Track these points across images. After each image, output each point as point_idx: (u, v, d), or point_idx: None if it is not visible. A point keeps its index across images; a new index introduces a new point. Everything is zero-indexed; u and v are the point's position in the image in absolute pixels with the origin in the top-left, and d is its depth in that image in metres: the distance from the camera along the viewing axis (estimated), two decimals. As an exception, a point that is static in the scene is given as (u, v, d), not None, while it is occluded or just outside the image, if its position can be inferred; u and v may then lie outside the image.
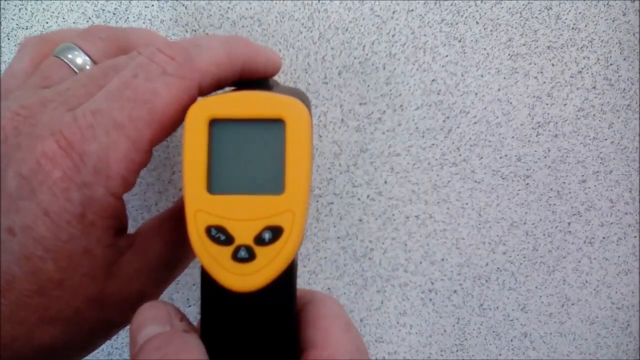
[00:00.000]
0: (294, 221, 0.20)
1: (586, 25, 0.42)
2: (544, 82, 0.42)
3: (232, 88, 0.26)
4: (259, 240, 0.20)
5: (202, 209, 0.21)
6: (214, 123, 0.21)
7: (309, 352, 0.20)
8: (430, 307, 0.44)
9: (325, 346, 0.20)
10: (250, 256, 0.20)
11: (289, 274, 0.21)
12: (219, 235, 0.20)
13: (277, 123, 0.21)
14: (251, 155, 0.21)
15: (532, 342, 0.44)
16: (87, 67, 0.25)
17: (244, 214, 0.21)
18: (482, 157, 0.43)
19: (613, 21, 0.42)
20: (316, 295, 0.22)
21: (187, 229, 0.21)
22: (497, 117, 0.42)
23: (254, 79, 0.26)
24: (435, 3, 0.41)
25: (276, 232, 0.20)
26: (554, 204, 0.43)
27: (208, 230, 0.21)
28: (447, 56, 0.42)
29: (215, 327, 0.21)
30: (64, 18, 0.43)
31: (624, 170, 0.43)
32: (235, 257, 0.20)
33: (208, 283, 0.21)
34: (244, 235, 0.20)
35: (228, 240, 0.20)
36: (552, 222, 0.43)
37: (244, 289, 0.20)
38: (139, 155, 0.21)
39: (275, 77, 0.32)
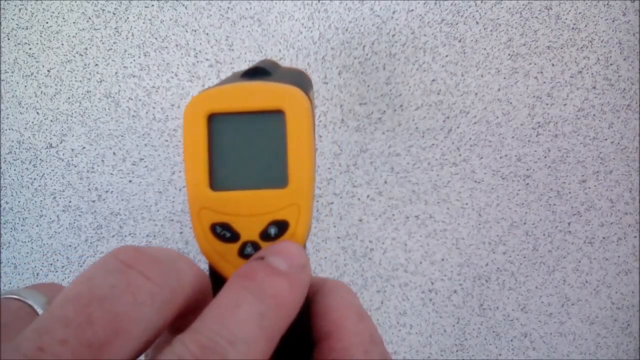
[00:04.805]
0: (300, 214, 0.20)
1: (586, 25, 0.42)
2: (544, 82, 0.42)
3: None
4: (265, 235, 0.20)
5: (205, 207, 0.20)
6: (213, 118, 0.20)
7: (322, 343, 0.20)
8: (430, 307, 0.44)
9: (339, 338, 0.19)
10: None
11: None
12: (225, 232, 0.20)
13: (277, 114, 0.20)
14: (252, 149, 0.21)
15: (532, 342, 0.44)
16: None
17: (248, 210, 0.20)
18: (482, 157, 0.43)
19: (613, 21, 0.42)
20: (327, 283, 0.22)
21: (192, 227, 0.21)
22: (497, 117, 0.42)
23: (254, 65, 0.26)
24: (435, 3, 0.41)
25: (282, 226, 0.20)
26: (554, 204, 0.43)
27: (213, 227, 0.20)
28: (447, 56, 0.42)
29: None
30: (64, 18, 0.43)
31: (624, 170, 0.43)
32: (242, 253, 0.20)
33: (216, 280, 0.20)
34: (249, 232, 0.20)
35: (234, 237, 0.20)
36: (552, 222, 0.43)
37: None
38: None
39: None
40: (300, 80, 0.24)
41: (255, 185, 0.20)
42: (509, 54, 0.42)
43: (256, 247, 0.20)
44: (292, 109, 0.20)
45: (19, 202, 0.44)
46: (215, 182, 0.20)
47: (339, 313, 0.20)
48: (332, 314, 0.20)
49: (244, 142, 0.21)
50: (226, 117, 0.20)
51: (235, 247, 0.20)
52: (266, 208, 0.20)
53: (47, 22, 0.43)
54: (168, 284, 0.16)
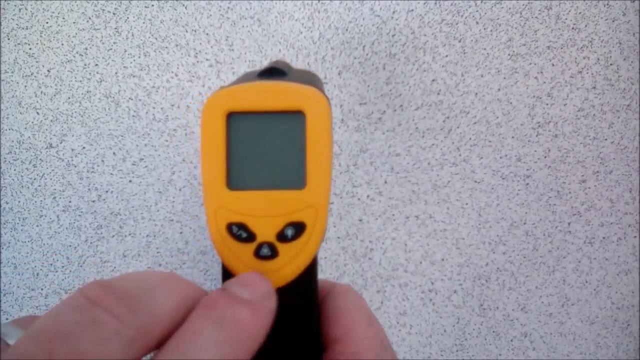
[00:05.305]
0: (317, 217, 0.20)
1: (586, 25, 0.42)
2: (544, 82, 0.42)
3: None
4: (282, 237, 0.20)
5: (222, 206, 0.20)
6: (232, 116, 0.20)
7: (332, 348, 0.20)
8: (430, 307, 0.44)
9: (349, 342, 0.19)
10: (273, 253, 0.20)
11: (311, 270, 0.21)
12: (241, 232, 0.20)
13: (297, 115, 0.20)
14: (271, 149, 0.20)
15: (532, 342, 0.44)
16: None
17: (265, 211, 0.20)
18: (482, 157, 0.43)
19: (613, 21, 0.42)
20: (336, 287, 0.22)
21: (208, 226, 0.21)
22: (497, 117, 0.42)
23: (270, 65, 0.25)
24: (435, 3, 0.41)
25: (299, 228, 0.20)
26: (554, 204, 0.43)
27: (229, 227, 0.20)
28: (447, 56, 0.42)
29: None
30: (64, 18, 0.43)
31: (624, 170, 0.43)
32: (258, 254, 0.20)
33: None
34: (266, 232, 0.20)
35: (250, 237, 0.20)
36: (552, 222, 0.43)
37: None
38: None
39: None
40: (315, 81, 0.24)
41: (272, 186, 0.20)
42: (509, 54, 0.42)
43: (272, 248, 0.20)
44: (313, 110, 0.20)
45: (19, 202, 0.44)
46: (233, 182, 0.20)
47: (348, 317, 0.20)
48: (342, 318, 0.20)
49: (263, 142, 0.21)
50: (246, 116, 0.20)
51: (251, 247, 0.20)
52: (283, 209, 0.20)
53: (47, 22, 0.43)
54: (136, 320, 0.16)
